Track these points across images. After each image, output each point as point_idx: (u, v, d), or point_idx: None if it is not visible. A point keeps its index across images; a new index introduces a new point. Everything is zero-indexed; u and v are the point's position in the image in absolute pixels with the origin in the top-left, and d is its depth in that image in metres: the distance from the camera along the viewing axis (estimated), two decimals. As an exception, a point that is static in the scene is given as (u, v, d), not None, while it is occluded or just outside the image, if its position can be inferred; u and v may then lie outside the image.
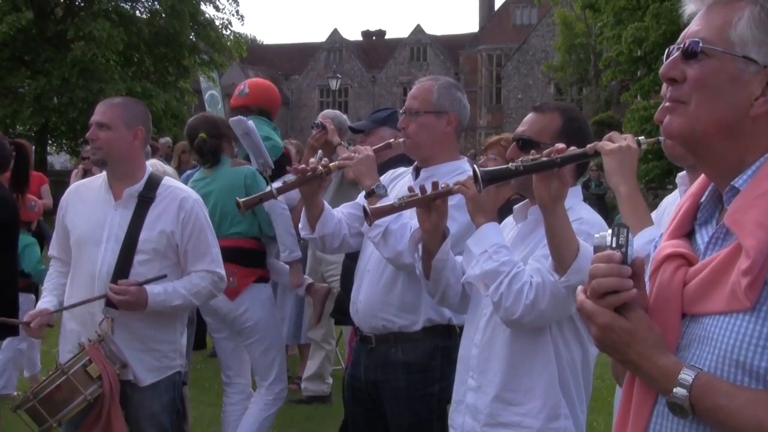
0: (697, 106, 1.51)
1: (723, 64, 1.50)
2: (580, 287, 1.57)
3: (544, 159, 2.40)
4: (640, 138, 2.62)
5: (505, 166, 2.45)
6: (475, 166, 2.49)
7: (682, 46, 1.54)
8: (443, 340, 3.51)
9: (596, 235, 1.56)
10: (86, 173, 8.27)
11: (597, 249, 1.54)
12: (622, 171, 2.57)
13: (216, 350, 5.44)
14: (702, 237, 1.58)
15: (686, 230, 1.62)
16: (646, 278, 1.59)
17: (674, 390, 1.44)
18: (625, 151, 2.57)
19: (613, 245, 1.51)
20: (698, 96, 1.51)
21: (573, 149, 2.45)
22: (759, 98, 1.48)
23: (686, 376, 1.43)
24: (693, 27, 1.56)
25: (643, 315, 1.51)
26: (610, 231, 1.54)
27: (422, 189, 2.94)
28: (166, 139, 10.27)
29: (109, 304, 3.64)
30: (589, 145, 2.52)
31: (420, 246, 3.07)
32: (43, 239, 8.72)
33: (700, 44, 1.51)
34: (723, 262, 1.46)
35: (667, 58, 1.57)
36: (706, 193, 1.63)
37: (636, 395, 1.57)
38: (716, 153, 1.53)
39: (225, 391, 5.21)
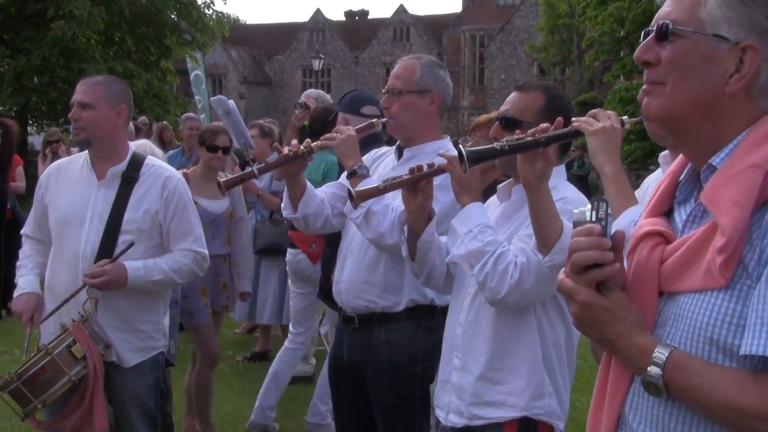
0: (672, 87, 1.53)
1: (695, 44, 1.50)
2: (563, 269, 1.57)
3: (529, 139, 2.39)
4: (623, 118, 2.63)
5: (491, 145, 2.44)
6: (460, 146, 2.47)
7: (654, 28, 1.55)
8: (426, 321, 3.52)
9: (575, 211, 1.56)
10: (55, 156, 8.21)
11: (576, 224, 1.54)
12: (606, 151, 2.58)
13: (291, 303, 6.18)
14: (680, 215, 1.58)
15: (665, 208, 1.63)
16: (624, 256, 1.59)
17: (648, 368, 1.44)
18: (609, 132, 2.58)
19: (593, 219, 1.51)
20: (673, 77, 1.52)
21: (558, 129, 2.46)
22: (733, 75, 1.49)
23: (660, 354, 1.44)
24: (665, 8, 1.57)
25: (621, 294, 1.51)
26: (589, 206, 1.54)
27: (411, 170, 2.94)
28: (142, 118, 10.19)
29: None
30: (573, 124, 2.53)
31: (405, 227, 3.07)
32: (18, 226, 8.58)
33: (671, 26, 1.52)
34: (699, 240, 1.46)
35: (644, 40, 1.58)
36: (685, 171, 1.63)
37: (612, 374, 1.58)
38: (695, 132, 1.54)
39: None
